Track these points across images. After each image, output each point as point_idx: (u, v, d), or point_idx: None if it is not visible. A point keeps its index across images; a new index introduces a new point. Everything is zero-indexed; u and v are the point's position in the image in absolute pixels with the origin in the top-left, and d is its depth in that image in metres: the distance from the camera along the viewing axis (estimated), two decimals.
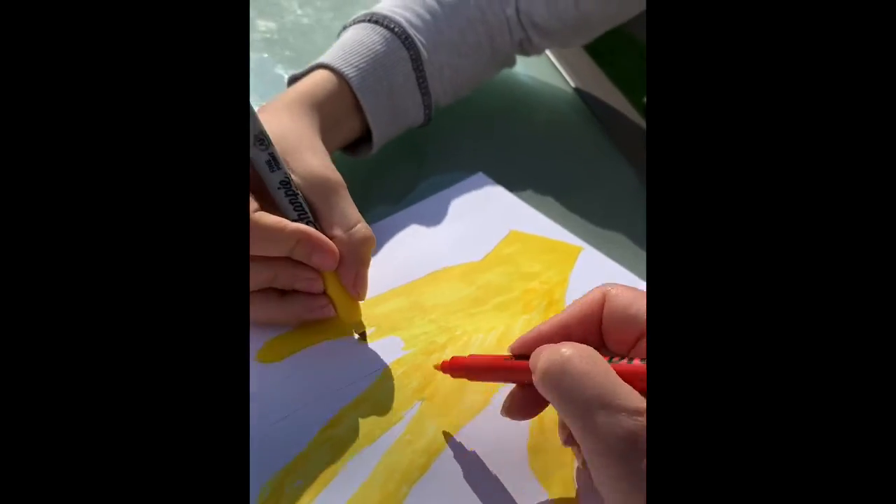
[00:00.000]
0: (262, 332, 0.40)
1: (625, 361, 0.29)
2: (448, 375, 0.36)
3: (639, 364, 0.29)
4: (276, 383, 0.37)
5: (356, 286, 0.39)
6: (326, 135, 0.44)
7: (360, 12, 0.51)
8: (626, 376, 0.28)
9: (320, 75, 0.46)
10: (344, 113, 0.47)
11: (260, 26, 0.69)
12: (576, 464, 0.34)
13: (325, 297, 0.39)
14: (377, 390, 0.37)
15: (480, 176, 0.51)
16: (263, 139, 0.38)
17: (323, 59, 0.47)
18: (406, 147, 0.53)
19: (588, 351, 0.29)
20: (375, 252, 0.45)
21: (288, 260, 0.38)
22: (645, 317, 0.31)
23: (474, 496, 0.33)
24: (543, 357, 0.29)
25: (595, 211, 0.50)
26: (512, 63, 0.57)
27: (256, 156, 0.38)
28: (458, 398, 0.37)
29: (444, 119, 0.54)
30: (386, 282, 0.43)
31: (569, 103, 0.62)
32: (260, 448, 0.34)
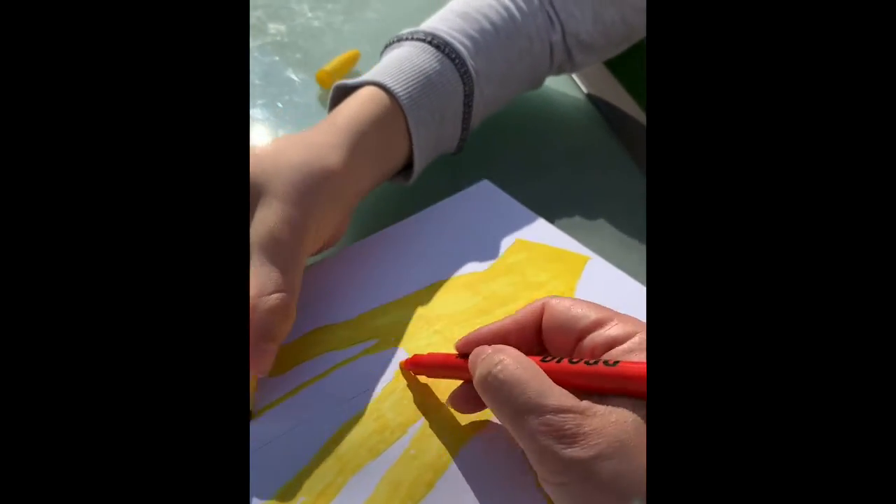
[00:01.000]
0: None
1: (554, 361, 0.31)
2: (448, 385, 0.36)
3: (567, 364, 0.31)
4: (280, 396, 0.37)
5: (252, 359, 0.35)
6: (375, 163, 0.44)
7: (415, 29, 0.49)
8: (558, 375, 0.30)
9: (374, 96, 0.45)
10: (398, 140, 0.46)
11: (271, 29, 0.69)
12: None
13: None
14: (381, 404, 0.37)
15: (486, 184, 0.50)
16: None
17: (379, 77, 0.46)
18: None
19: (519, 357, 0.31)
20: (378, 260, 0.44)
21: None
22: (580, 321, 0.33)
23: None
24: (480, 364, 0.32)
25: (605, 219, 0.49)
26: (540, 86, 0.57)
27: None
28: None
29: None
30: (389, 292, 0.43)
31: (580, 109, 0.61)
32: (263, 463, 0.34)
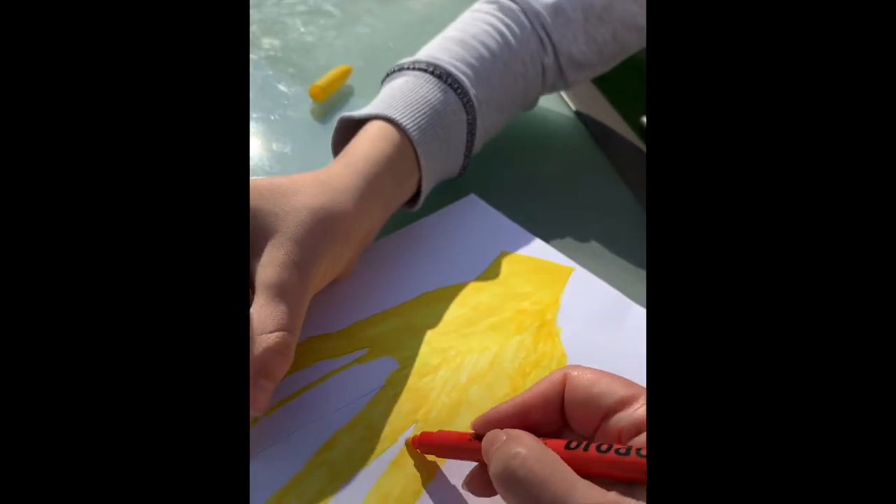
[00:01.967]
0: None
1: (581, 449, 0.29)
2: (440, 402, 0.36)
3: (596, 453, 0.28)
4: (276, 402, 0.39)
5: (252, 396, 0.35)
6: (391, 197, 0.44)
7: (416, 59, 0.50)
8: (584, 464, 0.28)
9: (385, 132, 0.46)
10: (408, 172, 0.46)
11: (264, 43, 0.70)
12: None
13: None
14: (371, 412, 0.38)
15: (473, 198, 0.52)
16: None
17: (388, 112, 0.46)
18: None
19: (538, 450, 0.28)
20: (369, 271, 0.46)
21: None
22: (605, 398, 0.31)
23: None
24: (495, 456, 0.29)
25: (592, 233, 0.51)
26: (533, 107, 0.58)
27: None
28: (452, 420, 0.38)
29: None
30: (379, 303, 0.44)
31: (569, 126, 0.62)
32: (257, 469, 0.36)
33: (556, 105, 0.64)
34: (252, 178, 0.41)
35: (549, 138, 0.61)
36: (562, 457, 0.29)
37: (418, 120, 0.46)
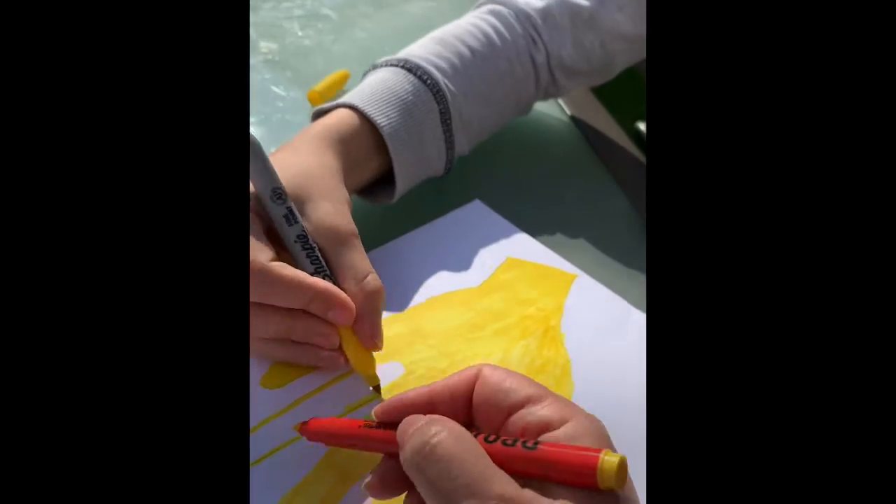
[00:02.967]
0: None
1: (500, 443, 0.28)
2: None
3: (520, 448, 0.28)
4: (280, 408, 0.39)
5: (373, 337, 0.39)
6: (347, 175, 0.45)
7: (391, 56, 0.51)
8: (500, 458, 0.27)
9: (346, 114, 0.47)
10: (365, 154, 0.47)
11: (262, 48, 0.70)
12: None
13: (339, 351, 0.40)
14: None
15: (478, 203, 0.52)
16: (281, 194, 0.40)
17: (351, 99, 0.48)
18: None
19: (460, 431, 0.28)
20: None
21: (305, 312, 0.38)
22: (511, 395, 0.30)
23: None
24: (412, 436, 0.28)
25: (588, 237, 0.51)
26: (528, 111, 0.59)
27: (274, 210, 0.40)
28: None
29: None
30: (386, 308, 0.44)
31: (565, 131, 0.63)
32: (263, 475, 0.36)
33: (551, 110, 0.65)
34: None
35: (545, 143, 0.61)
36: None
37: (382, 108, 0.47)
